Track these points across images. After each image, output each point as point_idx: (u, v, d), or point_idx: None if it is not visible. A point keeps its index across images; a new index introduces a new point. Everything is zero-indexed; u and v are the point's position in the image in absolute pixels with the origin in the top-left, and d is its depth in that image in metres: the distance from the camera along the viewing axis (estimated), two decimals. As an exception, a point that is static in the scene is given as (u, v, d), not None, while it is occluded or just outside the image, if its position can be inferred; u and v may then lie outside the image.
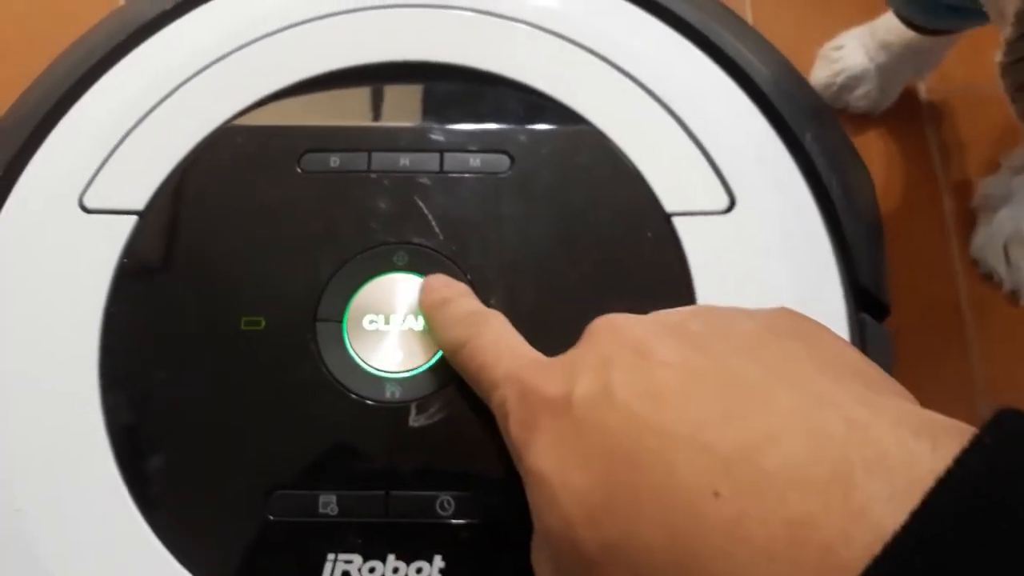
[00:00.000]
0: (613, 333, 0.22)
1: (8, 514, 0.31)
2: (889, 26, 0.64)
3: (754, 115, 0.39)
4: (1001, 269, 0.62)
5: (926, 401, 0.19)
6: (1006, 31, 0.32)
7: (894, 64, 0.65)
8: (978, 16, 0.51)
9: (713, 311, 0.23)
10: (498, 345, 0.26)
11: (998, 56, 0.33)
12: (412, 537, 0.30)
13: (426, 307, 0.30)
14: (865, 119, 0.67)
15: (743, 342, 0.20)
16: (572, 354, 0.23)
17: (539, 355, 0.25)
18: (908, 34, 0.62)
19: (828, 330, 0.22)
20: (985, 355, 0.58)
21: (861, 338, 0.34)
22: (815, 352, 0.20)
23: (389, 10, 0.40)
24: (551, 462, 0.20)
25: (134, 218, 0.36)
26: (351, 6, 0.40)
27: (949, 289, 0.60)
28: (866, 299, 0.35)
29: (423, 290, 0.31)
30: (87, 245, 0.35)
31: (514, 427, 0.23)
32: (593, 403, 0.20)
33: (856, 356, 0.21)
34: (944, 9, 0.54)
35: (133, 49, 0.40)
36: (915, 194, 0.62)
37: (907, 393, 0.20)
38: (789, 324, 0.21)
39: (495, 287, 0.34)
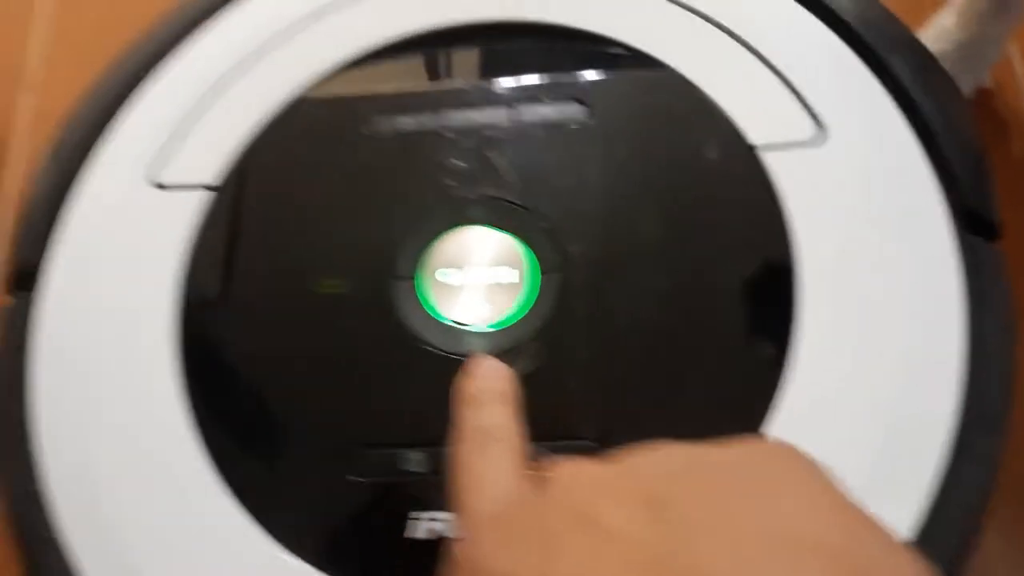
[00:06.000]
0: (565, 491, 0.20)
1: (87, 486, 0.31)
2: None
3: (832, 40, 0.37)
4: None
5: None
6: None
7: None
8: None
9: (685, 452, 0.20)
10: (482, 478, 0.24)
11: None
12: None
13: (458, 395, 0.29)
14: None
15: (703, 499, 0.18)
16: (526, 515, 0.21)
17: (513, 500, 0.22)
18: None
19: (806, 480, 0.18)
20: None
21: (973, 262, 0.32)
22: (771, 518, 0.17)
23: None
24: None
25: (211, 192, 0.36)
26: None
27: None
28: (972, 220, 0.33)
29: (465, 373, 0.29)
30: (163, 221, 0.35)
31: None
32: None
33: (825, 520, 0.17)
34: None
35: (195, 35, 0.40)
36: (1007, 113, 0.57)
37: (888, 542, 0.17)
38: (759, 470, 0.19)
39: (574, 236, 0.33)
